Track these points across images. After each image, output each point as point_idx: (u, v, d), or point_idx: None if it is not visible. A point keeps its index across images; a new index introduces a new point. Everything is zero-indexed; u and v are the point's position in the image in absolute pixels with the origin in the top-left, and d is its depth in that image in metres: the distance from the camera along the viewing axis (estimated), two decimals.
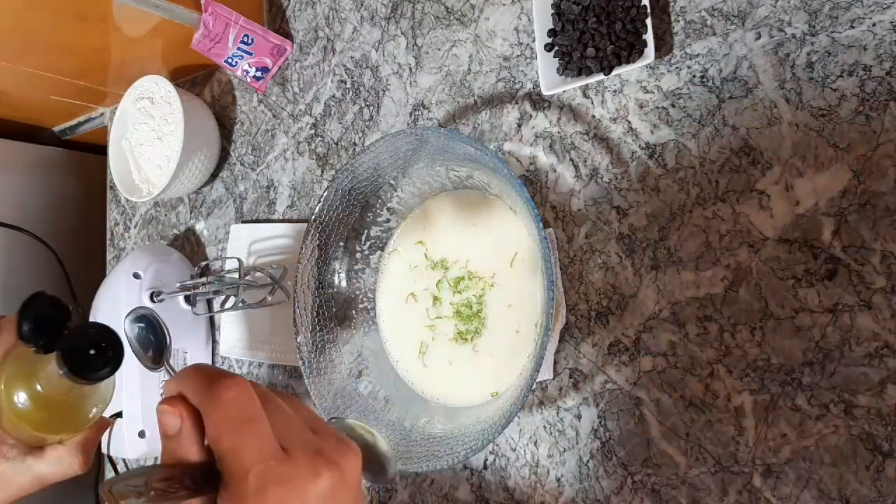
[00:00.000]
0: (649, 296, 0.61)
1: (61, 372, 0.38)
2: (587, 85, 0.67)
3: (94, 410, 0.46)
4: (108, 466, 1.00)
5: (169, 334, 0.66)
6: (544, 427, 0.66)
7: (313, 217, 0.69)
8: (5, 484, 0.44)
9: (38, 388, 0.42)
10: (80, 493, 1.10)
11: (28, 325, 0.40)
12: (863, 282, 0.53)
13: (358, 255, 0.74)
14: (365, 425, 0.41)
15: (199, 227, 0.98)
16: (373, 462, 0.39)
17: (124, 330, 0.65)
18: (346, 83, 0.85)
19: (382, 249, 0.75)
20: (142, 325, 0.66)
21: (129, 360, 0.82)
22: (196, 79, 1.01)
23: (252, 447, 0.29)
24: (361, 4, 0.84)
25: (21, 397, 0.42)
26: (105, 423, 0.49)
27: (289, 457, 0.30)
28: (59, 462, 0.44)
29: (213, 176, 0.96)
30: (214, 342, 0.92)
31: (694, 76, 0.61)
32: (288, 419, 0.32)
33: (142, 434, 0.82)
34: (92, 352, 0.38)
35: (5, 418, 0.43)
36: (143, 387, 0.84)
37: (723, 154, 0.59)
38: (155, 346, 0.66)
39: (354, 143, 0.83)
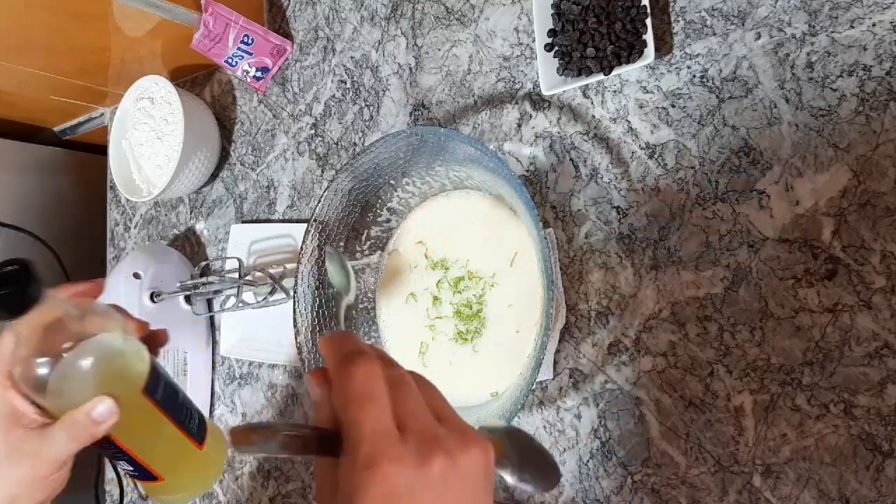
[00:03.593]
0: (649, 296, 0.61)
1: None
2: (587, 85, 0.67)
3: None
4: (108, 466, 1.00)
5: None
6: (544, 427, 0.66)
7: (313, 217, 0.69)
8: (27, 456, 0.44)
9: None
10: (80, 494, 1.10)
11: None
12: (863, 282, 0.53)
13: (358, 255, 0.74)
14: (529, 435, 0.41)
15: (199, 227, 0.98)
16: (534, 465, 0.38)
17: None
18: (346, 83, 0.85)
19: (382, 249, 0.75)
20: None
21: None
22: (196, 79, 1.01)
23: (368, 422, 0.31)
24: (361, 4, 0.84)
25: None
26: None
27: (404, 438, 0.31)
28: (73, 426, 0.44)
29: (214, 176, 0.96)
30: (214, 342, 0.92)
31: (694, 76, 0.61)
32: (414, 403, 0.33)
33: None
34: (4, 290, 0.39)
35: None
36: None
37: (723, 154, 0.59)
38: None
39: (354, 143, 0.83)
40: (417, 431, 0.32)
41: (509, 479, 0.37)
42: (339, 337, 0.36)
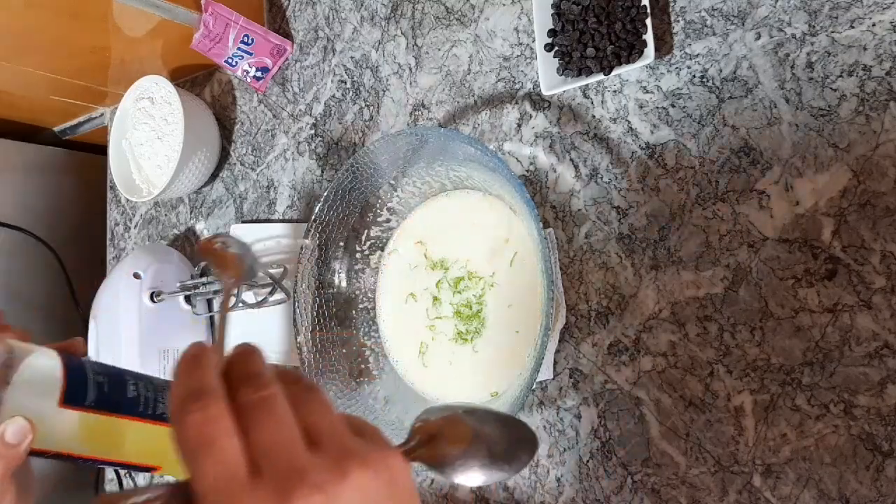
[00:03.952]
0: (649, 296, 0.61)
1: None
2: (587, 85, 0.67)
3: None
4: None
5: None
6: (544, 427, 0.66)
7: (313, 217, 0.69)
8: None
9: None
10: (80, 494, 1.10)
11: None
12: (863, 282, 0.53)
13: (358, 255, 0.74)
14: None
15: (200, 227, 0.98)
16: (507, 440, 0.33)
17: None
18: (346, 83, 0.85)
19: (382, 249, 0.75)
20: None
21: (128, 360, 0.82)
22: (196, 79, 1.01)
23: (209, 472, 0.27)
24: (361, 4, 0.84)
25: None
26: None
27: (256, 480, 0.27)
28: None
29: (214, 176, 0.96)
30: (214, 342, 0.92)
31: (694, 76, 0.61)
32: (272, 433, 0.28)
33: None
34: None
35: None
36: None
37: (723, 154, 0.59)
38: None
39: (354, 143, 0.83)
40: (274, 467, 0.27)
41: (480, 475, 0.32)
42: (185, 366, 0.30)
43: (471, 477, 0.32)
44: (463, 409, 0.34)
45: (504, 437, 0.34)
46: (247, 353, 0.31)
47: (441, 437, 0.33)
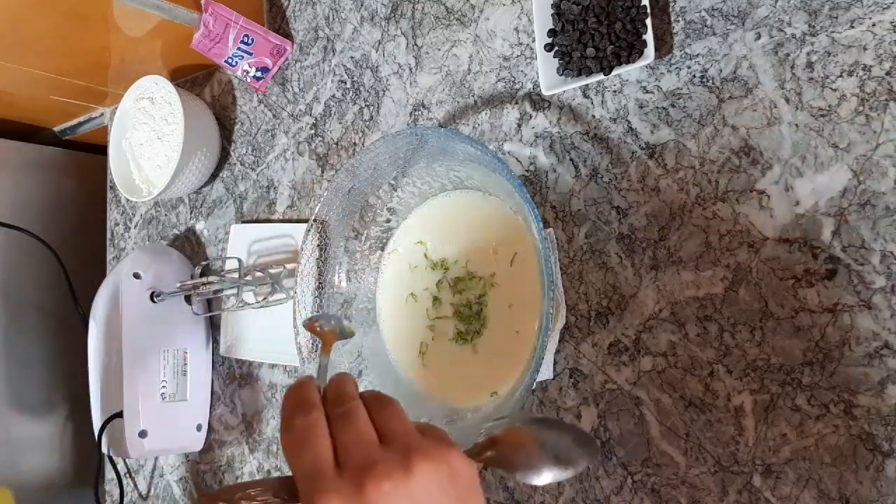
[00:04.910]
0: (649, 296, 0.61)
1: None
2: (587, 85, 0.67)
3: None
4: (108, 466, 1.00)
5: None
6: None
7: (313, 217, 0.69)
8: None
9: None
10: (80, 493, 1.10)
11: None
12: (863, 282, 0.53)
13: (358, 255, 0.74)
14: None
15: (199, 227, 0.98)
16: (573, 444, 0.38)
17: None
18: (346, 83, 0.85)
19: (382, 249, 0.75)
20: None
21: (129, 360, 0.82)
22: (196, 79, 1.01)
23: (303, 465, 0.34)
24: (361, 4, 0.84)
25: None
26: None
27: (340, 472, 0.33)
28: None
29: (213, 176, 0.96)
30: (214, 342, 0.92)
31: (694, 76, 0.61)
32: (352, 435, 0.35)
33: (142, 434, 0.82)
34: None
35: None
36: (144, 387, 0.84)
37: (723, 154, 0.59)
38: None
39: (354, 143, 0.83)
40: (353, 461, 0.34)
41: (550, 474, 0.37)
42: (296, 390, 0.38)
43: (538, 476, 0.37)
44: (524, 419, 0.41)
45: (565, 441, 0.39)
46: (340, 379, 0.40)
47: (506, 442, 0.38)
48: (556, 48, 0.66)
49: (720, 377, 0.58)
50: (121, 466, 1.01)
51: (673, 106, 0.62)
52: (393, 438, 0.35)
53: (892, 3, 0.53)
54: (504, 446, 0.39)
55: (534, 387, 0.65)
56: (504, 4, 0.73)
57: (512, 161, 0.70)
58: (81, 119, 1.17)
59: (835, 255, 0.54)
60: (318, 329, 0.46)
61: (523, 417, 0.41)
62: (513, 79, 0.71)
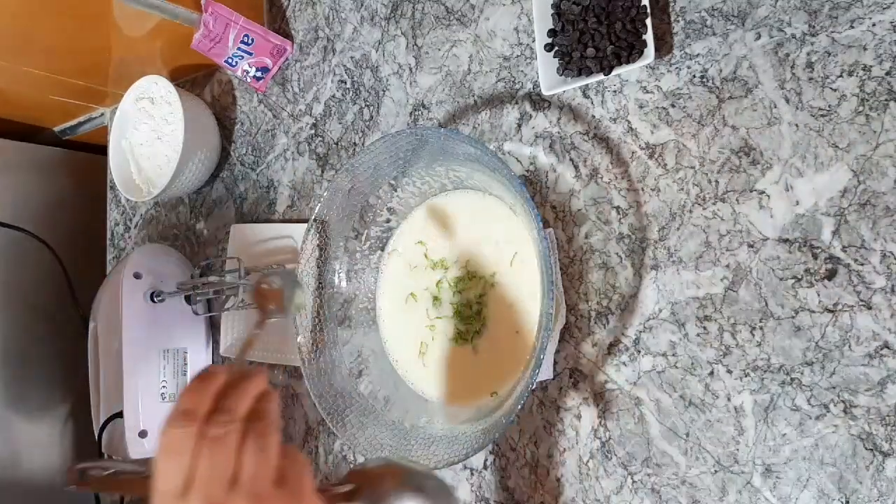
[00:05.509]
0: (649, 296, 0.61)
1: None
2: (587, 85, 0.67)
3: None
4: None
5: None
6: (544, 427, 0.66)
7: (313, 217, 0.69)
8: None
9: None
10: (80, 493, 1.10)
11: None
12: (863, 282, 0.53)
13: (358, 255, 0.74)
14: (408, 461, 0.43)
15: (199, 227, 0.98)
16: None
17: None
18: (346, 83, 0.85)
19: (382, 249, 0.75)
20: None
21: (129, 360, 0.82)
22: (196, 79, 1.01)
23: (160, 478, 0.35)
24: (361, 4, 0.84)
25: None
26: None
27: (235, 491, 0.34)
28: None
29: (213, 176, 0.96)
30: (214, 342, 0.92)
31: (694, 76, 0.61)
32: (210, 468, 0.35)
33: (143, 434, 0.82)
34: None
35: None
36: (144, 387, 0.84)
37: (723, 154, 0.59)
38: None
39: (354, 143, 0.83)
40: (199, 495, 0.34)
41: None
42: (192, 386, 0.37)
43: None
44: (391, 460, 0.42)
45: (431, 482, 0.41)
46: (242, 380, 0.38)
47: (375, 477, 0.40)
48: (556, 48, 0.66)
49: (720, 377, 0.58)
50: None
51: (673, 106, 0.62)
52: (243, 482, 0.35)
53: (892, 3, 0.53)
54: (373, 481, 0.40)
55: (534, 387, 0.65)
56: (504, 4, 0.73)
57: (512, 161, 0.70)
58: (81, 119, 1.17)
59: (835, 255, 0.54)
60: (261, 289, 0.43)
61: (386, 458, 0.43)
62: (513, 79, 0.71)
